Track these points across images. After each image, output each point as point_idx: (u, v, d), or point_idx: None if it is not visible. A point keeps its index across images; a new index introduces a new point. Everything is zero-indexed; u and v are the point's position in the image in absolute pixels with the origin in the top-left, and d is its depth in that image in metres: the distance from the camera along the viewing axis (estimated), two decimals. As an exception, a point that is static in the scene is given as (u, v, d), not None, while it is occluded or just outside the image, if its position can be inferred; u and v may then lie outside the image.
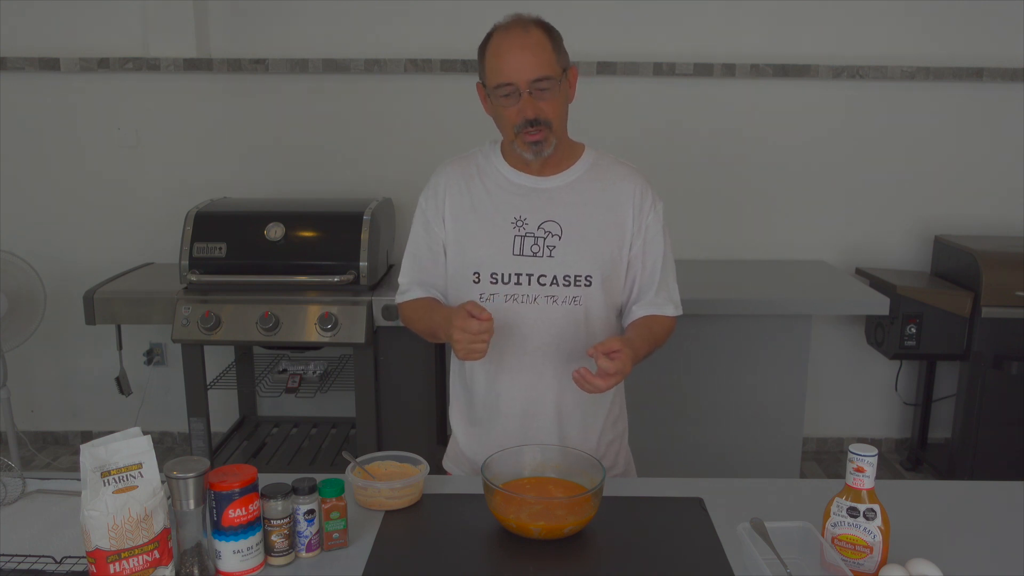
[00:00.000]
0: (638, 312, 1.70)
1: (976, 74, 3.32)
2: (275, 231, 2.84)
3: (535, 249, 1.62)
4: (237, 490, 1.22)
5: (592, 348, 1.49)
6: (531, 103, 1.55)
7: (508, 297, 1.62)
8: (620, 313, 1.74)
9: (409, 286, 1.74)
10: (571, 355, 1.64)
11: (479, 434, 1.72)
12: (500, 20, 1.61)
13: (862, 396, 3.66)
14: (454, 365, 1.77)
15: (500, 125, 1.64)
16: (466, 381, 1.73)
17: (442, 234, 1.69)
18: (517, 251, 1.62)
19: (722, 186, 3.47)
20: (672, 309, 1.71)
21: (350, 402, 3.07)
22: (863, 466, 1.22)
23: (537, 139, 1.58)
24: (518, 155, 1.63)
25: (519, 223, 1.63)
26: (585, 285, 1.63)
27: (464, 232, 1.66)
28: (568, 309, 1.63)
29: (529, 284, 1.62)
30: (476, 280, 1.64)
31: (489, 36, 1.61)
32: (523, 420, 1.67)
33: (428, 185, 1.72)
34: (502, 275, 1.62)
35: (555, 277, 1.62)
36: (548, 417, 1.67)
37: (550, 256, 1.62)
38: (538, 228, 1.63)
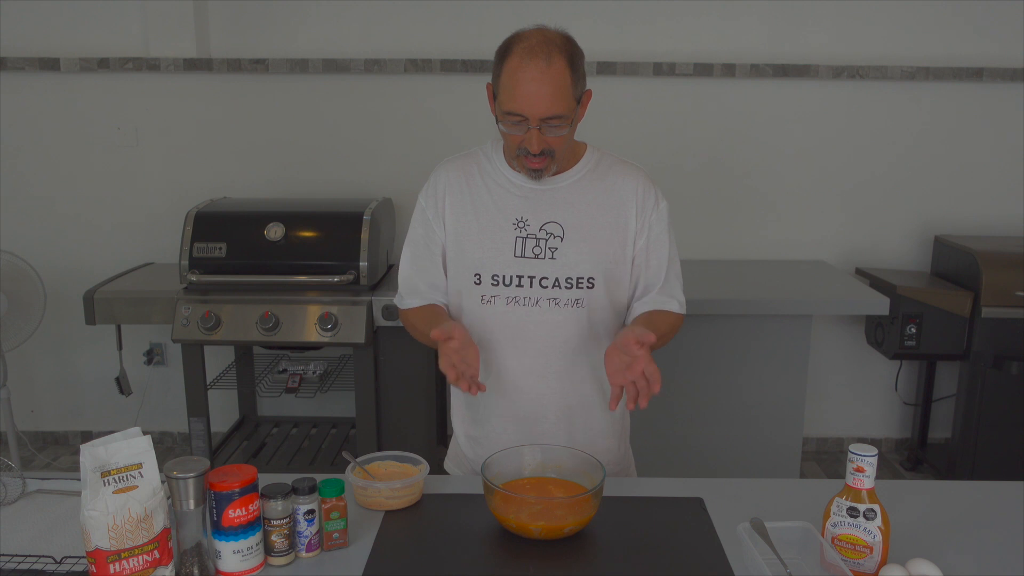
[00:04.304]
0: (639, 309, 1.66)
1: (976, 74, 3.32)
2: (275, 231, 2.84)
3: (536, 251, 1.60)
4: (237, 490, 1.22)
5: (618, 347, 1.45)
6: (538, 137, 1.51)
7: (510, 300, 1.60)
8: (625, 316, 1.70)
9: (408, 291, 1.70)
10: (574, 358, 1.62)
11: (481, 437, 1.69)
12: (524, 28, 1.53)
13: (862, 396, 3.66)
14: None
15: (503, 136, 1.59)
16: None
17: (441, 234, 1.66)
18: (518, 253, 1.60)
19: (722, 186, 3.47)
20: (676, 307, 1.67)
21: (350, 402, 3.07)
22: (863, 466, 1.22)
23: (537, 167, 1.55)
24: None
25: (520, 224, 1.61)
26: (588, 287, 1.60)
27: (464, 232, 1.63)
28: (571, 312, 1.60)
29: (531, 286, 1.60)
30: (477, 282, 1.62)
31: (510, 47, 1.50)
32: (528, 424, 1.64)
33: (428, 183, 1.69)
34: (503, 277, 1.60)
35: (557, 279, 1.59)
36: (555, 421, 1.65)
37: (552, 258, 1.59)
38: (540, 229, 1.60)
